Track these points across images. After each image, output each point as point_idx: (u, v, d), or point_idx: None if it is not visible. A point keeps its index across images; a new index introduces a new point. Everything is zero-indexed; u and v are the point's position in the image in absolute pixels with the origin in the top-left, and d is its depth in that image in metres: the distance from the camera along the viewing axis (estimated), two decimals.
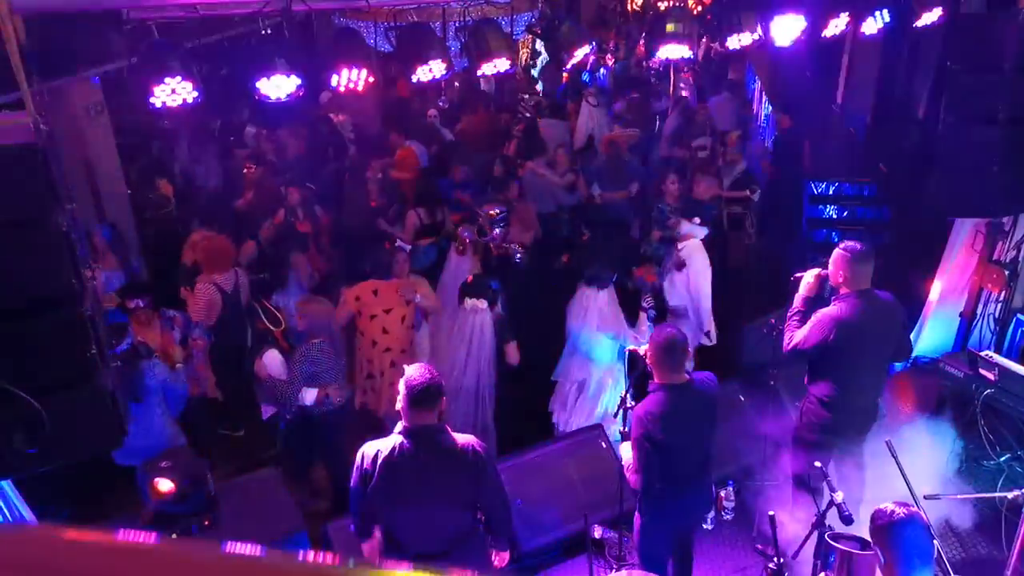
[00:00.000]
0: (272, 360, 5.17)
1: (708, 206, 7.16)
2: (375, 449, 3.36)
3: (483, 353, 5.58)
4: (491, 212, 6.73)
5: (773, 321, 5.30)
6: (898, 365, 6.13)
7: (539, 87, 13.97)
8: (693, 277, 6.06)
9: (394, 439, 3.34)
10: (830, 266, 4.49)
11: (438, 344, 6.15)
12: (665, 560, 4.23)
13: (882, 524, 2.82)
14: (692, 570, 4.43)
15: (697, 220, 6.19)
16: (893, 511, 2.82)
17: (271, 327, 5.74)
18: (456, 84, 11.22)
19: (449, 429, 3.43)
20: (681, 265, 6.02)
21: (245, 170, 8.42)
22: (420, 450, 3.30)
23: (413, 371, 3.34)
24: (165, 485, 4.39)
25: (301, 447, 5.49)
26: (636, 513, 4.14)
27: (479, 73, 5.76)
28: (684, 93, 11.92)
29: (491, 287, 5.53)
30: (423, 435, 3.31)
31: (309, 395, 5.06)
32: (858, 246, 4.39)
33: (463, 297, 5.51)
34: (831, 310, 4.42)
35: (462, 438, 3.41)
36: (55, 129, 3.17)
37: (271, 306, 5.84)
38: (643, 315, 5.68)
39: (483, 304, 5.45)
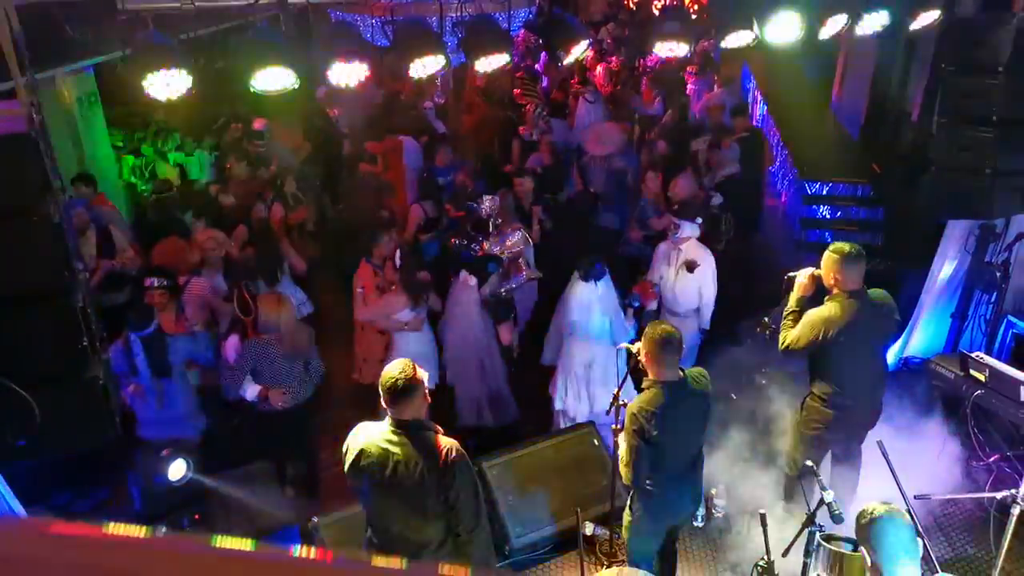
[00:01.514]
0: (230, 345, 5.26)
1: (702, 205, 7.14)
2: (359, 433, 3.39)
3: (476, 325, 5.82)
4: (484, 204, 6.58)
5: (766, 319, 5.31)
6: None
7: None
8: (700, 276, 6.08)
9: (381, 427, 3.36)
10: (821, 268, 4.51)
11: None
12: (654, 556, 4.24)
13: (865, 523, 2.84)
14: (676, 566, 4.45)
15: (699, 220, 6.15)
16: (875, 509, 2.85)
17: (241, 315, 5.76)
18: (439, 82, 11.11)
19: (438, 428, 3.42)
20: (693, 266, 5.99)
21: (227, 166, 8.38)
22: (400, 444, 3.29)
23: (388, 367, 3.34)
24: (179, 468, 4.46)
25: (265, 438, 5.47)
26: (627, 509, 4.15)
27: (475, 69, 5.74)
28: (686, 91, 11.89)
29: (487, 269, 5.64)
30: (406, 428, 3.32)
31: (251, 390, 5.01)
32: (847, 248, 4.41)
33: (460, 268, 5.66)
34: (821, 310, 4.45)
35: (445, 441, 3.36)
36: (48, 119, 3.15)
37: (247, 294, 5.84)
38: (629, 310, 5.69)
39: (473, 280, 5.61)
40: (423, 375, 3.36)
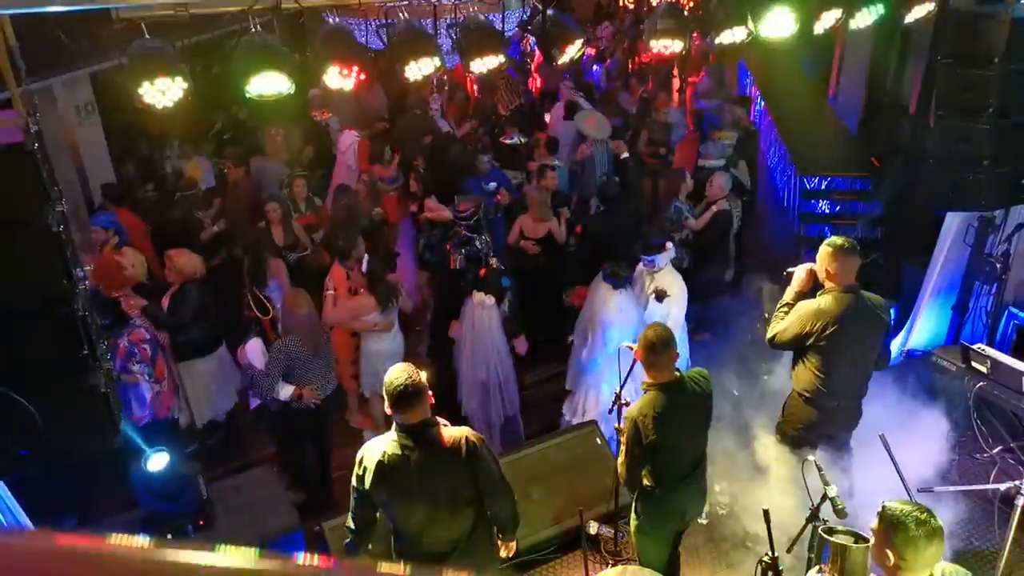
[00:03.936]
0: (253, 349, 5.22)
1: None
2: (371, 448, 3.37)
3: (491, 347, 5.60)
4: (460, 208, 6.50)
5: (767, 316, 5.30)
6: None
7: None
8: (667, 307, 5.85)
9: (390, 436, 3.35)
10: (817, 261, 4.49)
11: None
12: (662, 557, 4.22)
13: (900, 528, 2.66)
14: (679, 564, 4.44)
15: (670, 245, 5.98)
16: (914, 519, 2.65)
17: (259, 315, 5.76)
18: (436, 81, 11.05)
19: (441, 422, 3.43)
20: (662, 296, 5.81)
21: (225, 170, 8.36)
22: (414, 447, 3.30)
23: (391, 372, 3.33)
24: (159, 460, 4.42)
25: (289, 437, 5.54)
26: (632, 512, 4.14)
27: (469, 70, 5.73)
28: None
29: (502, 284, 5.52)
30: (415, 432, 3.31)
31: (284, 391, 5.11)
32: (840, 241, 4.37)
33: (472, 289, 5.51)
34: (812, 303, 4.41)
35: (453, 431, 3.39)
36: (45, 129, 3.15)
37: (261, 295, 5.84)
38: None
39: (491, 300, 5.45)
40: (424, 376, 3.36)
